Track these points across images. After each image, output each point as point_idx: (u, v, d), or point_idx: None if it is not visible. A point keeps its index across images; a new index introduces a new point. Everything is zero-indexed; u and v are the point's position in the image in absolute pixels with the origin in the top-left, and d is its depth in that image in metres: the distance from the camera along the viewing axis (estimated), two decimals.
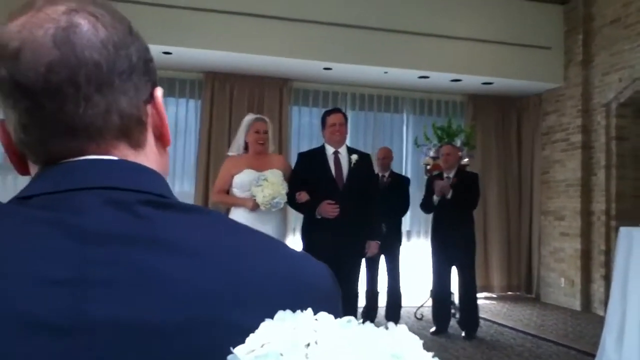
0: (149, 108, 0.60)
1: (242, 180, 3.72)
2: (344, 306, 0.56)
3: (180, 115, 6.45)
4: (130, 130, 0.57)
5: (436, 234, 5.13)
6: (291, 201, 3.84)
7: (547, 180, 7.03)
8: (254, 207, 3.63)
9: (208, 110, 6.42)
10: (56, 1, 0.56)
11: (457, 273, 5.10)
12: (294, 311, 0.42)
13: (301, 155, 4.09)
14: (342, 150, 3.98)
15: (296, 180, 3.86)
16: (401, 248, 5.34)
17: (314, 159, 3.94)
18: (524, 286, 7.35)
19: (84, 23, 0.54)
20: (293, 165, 4.10)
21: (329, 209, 3.73)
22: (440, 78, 6.55)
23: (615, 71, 6.10)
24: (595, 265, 6.31)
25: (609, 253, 5.93)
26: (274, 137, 4.09)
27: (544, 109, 7.12)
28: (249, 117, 3.90)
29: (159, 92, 0.61)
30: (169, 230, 0.52)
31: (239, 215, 3.66)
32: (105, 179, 0.54)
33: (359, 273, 4.04)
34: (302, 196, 3.78)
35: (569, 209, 6.63)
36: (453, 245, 4.92)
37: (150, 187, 0.56)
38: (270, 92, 6.55)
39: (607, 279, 5.66)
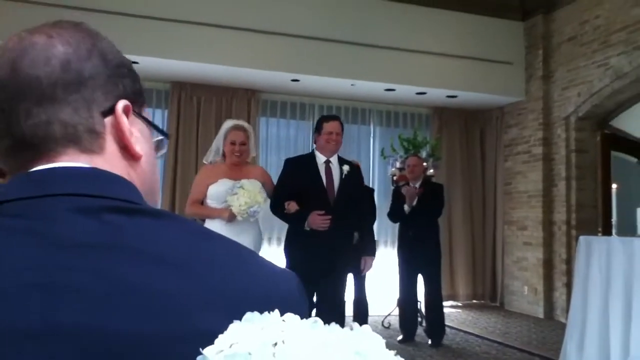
0: (110, 119, 0.60)
1: (218, 191, 3.49)
2: (332, 315, 0.58)
3: None
4: (78, 137, 0.58)
5: (402, 243, 5.19)
6: (277, 210, 3.64)
7: (510, 191, 7.18)
8: (231, 217, 3.41)
9: (175, 120, 6.37)
10: (37, 28, 0.60)
11: (423, 282, 5.16)
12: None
13: (289, 162, 3.80)
14: (334, 160, 3.74)
15: (283, 188, 3.64)
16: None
17: (303, 167, 3.69)
18: (488, 294, 7.47)
19: (37, 41, 0.58)
20: (272, 175, 3.92)
21: (319, 221, 3.48)
22: (406, 91, 6.65)
23: (573, 86, 6.31)
24: (557, 273, 6.46)
25: (570, 262, 6.09)
26: (255, 144, 3.83)
27: (507, 122, 7.29)
28: (227, 125, 3.65)
29: (120, 105, 0.61)
30: (136, 237, 0.52)
31: (214, 227, 3.33)
32: (72, 186, 0.54)
33: (345, 283, 3.86)
34: (292, 206, 3.57)
35: (531, 219, 6.79)
36: (419, 255, 4.99)
37: (117, 192, 0.56)
38: (238, 103, 6.54)
39: (569, 286, 5.80)
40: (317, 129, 3.76)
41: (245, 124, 3.68)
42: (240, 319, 0.44)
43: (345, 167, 3.69)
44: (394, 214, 5.22)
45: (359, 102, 7.13)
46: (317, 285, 3.51)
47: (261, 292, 0.53)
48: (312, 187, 3.60)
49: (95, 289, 0.48)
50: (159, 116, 6.49)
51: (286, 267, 3.40)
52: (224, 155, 3.62)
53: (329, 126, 3.68)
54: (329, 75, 6.10)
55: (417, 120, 7.47)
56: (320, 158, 3.70)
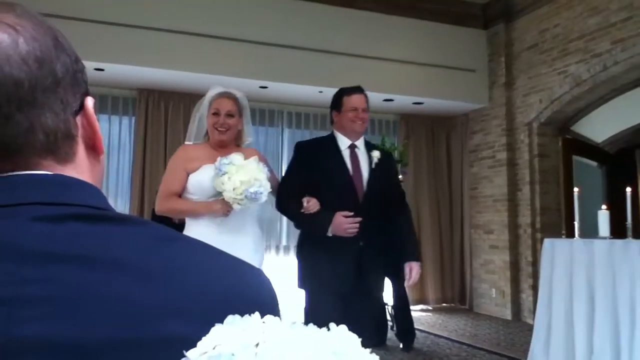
0: (79, 119, 0.59)
1: (201, 181, 2.59)
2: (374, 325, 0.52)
3: (113, 132, 6.28)
4: (57, 146, 0.56)
5: None
6: (288, 209, 2.86)
7: (476, 196, 7.32)
8: (224, 209, 2.52)
9: (142, 127, 6.29)
10: None
11: (390, 286, 5.21)
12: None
13: (303, 147, 2.98)
14: (360, 145, 2.94)
15: (295, 180, 2.83)
16: None
17: (321, 153, 2.89)
18: (457, 298, 7.58)
19: (3, 38, 0.52)
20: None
21: (346, 225, 2.71)
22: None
23: (535, 93, 6.48)
24: (524, 275, 6.60)
25: (535, 264, 6.23)
26: (248, 123, 2.84)
27: (471, 128, 7.43)
28: (212, 91, 2.78)
29: (89, 101, 0.60)
30: (100, 244, 0.51)
31: (200, 230, 2.54)
32: (35, 194, 0.52)
33: (383, 301, 3.05)
34: (312, 204, 2.71)
35: (497, 222, 6.93)
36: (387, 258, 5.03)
37: (82, 199, 0.55)
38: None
39: (535, 288, 5.93)
40: (336, 105, 2.97)
41: (238, 93, 2.79)
42: (207, 321, 0.44)
43: (376, 154, 2.92)
44: None
45: (327, 109, 7.15)
46: (350, 306, 2.80)
47: (233, 295, 0.53)
48: (335, 179, 2.83)
49: (57, 299, 0.46)
50: (126, 123, 6.41)
51: (302, 285, 2.87)
52: (208, 134, 2.76)
53: (352, 100, 2.92)
54: (297, 82, 6.13)
55: (384, 127, 7.56)
56: (343, 141, 2.91)
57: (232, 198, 2.47)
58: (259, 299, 0.55)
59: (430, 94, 6.74)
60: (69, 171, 0.57)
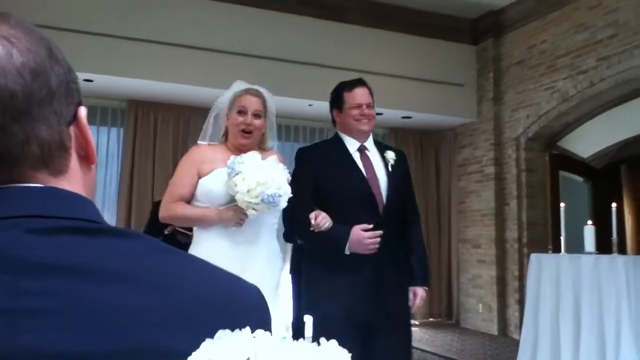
0: (72, 129, 0.59)
1: (212, 187, 2.27)
2: None
3: (101, 143, 6.26)
4: (51, 158, 0.56)
5: None
6: (296, 226, 2.51)
7: (464, 210, 7.35)
8: (236, 216, 2.21)
9: (131, 139, 6.27)
10: None
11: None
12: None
13: (306, 153, 2.58)
14: (370, 145, 2.57)
15: (301, 191, 2.35)
16: None
17: (329, 158, 2.50)
18: (444, 312, 7.58)
19: None
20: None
21: (367, 241, 2.32)
22: None
23: (522, 108, 6.55)
24: (510, 290, 6.63)
25: (522, 279, 6.26)
26: (272, 125, 2.52)
27: (459, 142, 7.49)
28: (236, 87, 2.45)
29: (82, 111, 0.60)
30: (96, 256, 0.51)
31: (210, 247, 2.22)
32: (30, 207, 0.53)
33: (411, 334, 2.63)
34: (322, 219, 2.29)
35: (484, 237, 6.96)
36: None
37: (78, 212, 0.55)
38: (196, 122, 6.49)
39: (521, 303, 5.96)
40: (337, 104, 2.58)
41: (264, 90, 2.47)
42: (202, 333, 0.45)
43: (390, 155, 2.55)
44: None
45: (317, 122, 7.20)
46: (378, 338, 2.40)
47: (225, 306, 0.53)
48: (349, 187, 2.43)
49: (55, 311, 0.47)
50: (114, 135, 6.39)
51: (306, 310, 2.56)
52: (226, 135, 2.41)
53: (354, 96, 2.53)
54: (287, 95, 6.14)
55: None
56: (351, 143, 2.53)
57: (246, 202, 2.12)
58: (252, 313, 0.55)
59: (419, 108, 6.79)
60: (63, 183, 0.57)
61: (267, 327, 0.52)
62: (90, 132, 0.61)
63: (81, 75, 5.19)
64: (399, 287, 2.47)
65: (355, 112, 2.51)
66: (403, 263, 2.49)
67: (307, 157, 2.53)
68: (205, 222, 2.28)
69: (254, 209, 2.15)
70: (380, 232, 2.34)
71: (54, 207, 0.54)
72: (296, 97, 6.19)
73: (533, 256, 4.38)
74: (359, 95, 2.54)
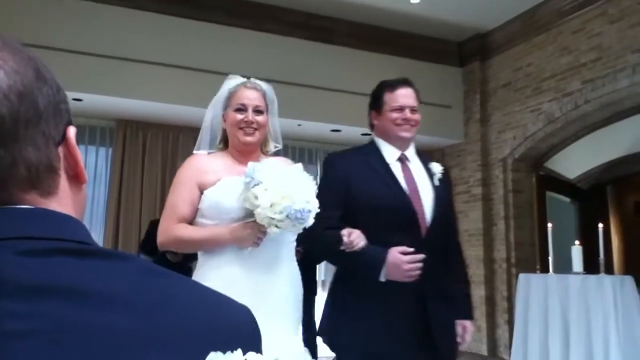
0: (61, 149, 0.58)
1: (220, 198, 1.91)
2: None
3: (90, 163, 6.23)
4: (40, 180, 0.55)
5: None
6: (323, 245, 2.07)
7: None
8: (255, 236, 1.84)
9: (119, 158, 6.25)
10: None
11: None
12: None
13: (336, 161, 2.22)
14: (412, 155, 2.24)
15: (329, 205, 2.00)
16: (316, 298, 5.26)
17: (364, 168, 2.14)
18: None
19: None
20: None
21: (407, 266, 1.96)
22: (352, 131, 6.80)
23: (509, 129, 6.63)
24: (499, 310, 6.62)
25: (510, 299, 6.26)
26: (275, 124, 2.21)
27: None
28: (230, 82, 2.13)
29: (71, 131, 0.59)
30: (86, 278, 0.51)
31: (220, 272, 1.87)
32: (19, 228, 0.52)
33: None
34: (356, 238, 1.93)
35: (473, 257, 6.97)
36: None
37: (67, 234, 0.55)
38: (185, 142, 6.49)
39: (510, 323, 5.95)
40: (376, 104, 2.25)
41: (264, 84, 2.16)
42: (193, 355, 0.45)
43: (437, 168, 2.24)
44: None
45: (306, 142, 7.23)
46: None
47: (215, 327, 0.53)
48: (388, 202, 2.07)
49: (44, 333, 0.46)
50: (102, 154, 6.36)
51: (333, 347, 2.14)
52: (225, 140, 2.10)
53: (397, 97, 2.20)
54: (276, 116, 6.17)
55: None
56: (390, 152, 2.19)
57: (268, 218, 1.77)
58: (242, 334, 0.55)
59: None
60: (52, 204, 0.57)
61: (258, 349, 0.52)
62: (79, 151, 0.61)
63: (70, 95, 5.17)
64: (445, 325, 2.09)
65: (395, 115, 2.17)
66: (448, 294, 2.11)
67: (337, 164, 2.17)
68: (215, 243, 1.88)
69: (276, 226, 1.79)
70: (421, 256, 1.96)
71: (43, 228, 0.54)
72: (285, 117, 6.17)
73: (521, 276, 4.39)
74: (402, 96, 2.19)
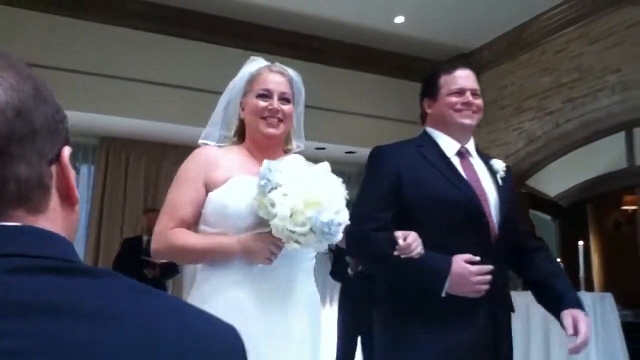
0: (54, 168, 0.58)
1: (228, 201, 1.58)
2: None
3: None
4: (29, 197, 0.55)
5: (346, 301, 5.05)
6: (368, 249, 1.77)
7: None
8: (269, 251, 1.50)
9: (102, 176, 6.20)
10: None
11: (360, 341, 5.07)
12: None
13: (386, 153, 1.89)
14: (472, 149, 1.96)
15: (378, 203, 1.75)
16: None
17: (419, 162, 1.83)
18: None
19: None
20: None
21: (475, 278, 1.67)
22: (336, 150, 6.84)
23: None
24: None
25: None
26: (301, 119, 1.91)
27: None
28: (252, 65, 1.81)
29: (66, 151, 0.60)
30: (72, 296, 0.50)
31: (221, 299, 1.53)
32: (6, 246, 0.52)
33: None
34: (413, 241, 1.58)
35: None
36: (362, 314, 4.87)
37: (55, 252, 0.54)
38: (170, 160, 6.47)
39: None
40: (430, 90, 1.96)
41: (292, 71, 1.82)
42: None
43: (499, 164, 1.96)
44: (338, 273, 5.08)
45: None
46: None
47: (201, 345, 0.53)
48: (453, 202, 1.76)
49: (36, 351, 0.46)
50: (84, 172, 6.32)
51: None
52: (241, 132, 1.78)
53: (455, 79, 1.91)
54: None
55: (347, 178, 7.65)
56: (448, 144, 1.90)
57: (286, 231, 1.43)
58: (228, 351, 0.55)
59: None
60: (41, 222, 0.57)
61: None
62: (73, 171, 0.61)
63: None
64: (511, 352, 1.83)
65: (455, 99, 1.87)
66: (548, 284, 1.83)
67: (385, 156, 1.85)
68: (221, 255, 1.55)
69: (297, 241, 1.44)
70: (489, 267, 1.68)
71: (31, 246, 0.53)
72: None
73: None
74: (462, 77, 1.91)
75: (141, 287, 0.56)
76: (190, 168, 1.68)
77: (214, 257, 1.58)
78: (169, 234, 1.60)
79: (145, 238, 5.63)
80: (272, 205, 1.45)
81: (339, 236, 1.50)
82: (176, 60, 5.75)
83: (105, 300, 0.52)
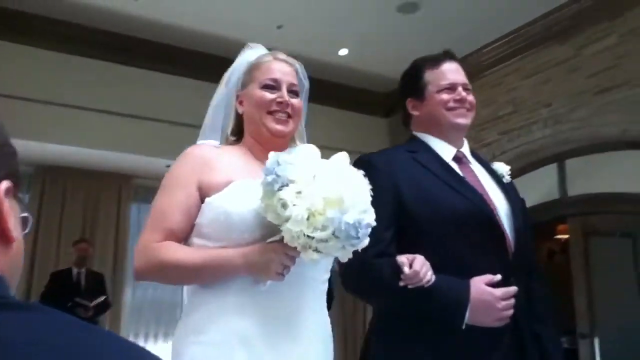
0: None
1: (234, 208, 1.30)
2: None
3: None
4: None
5: None
6: (377, 281, 1.48)
7: None
8: (280, 264, 1.23)
9: (36, 206, 5.95)
10: None
11: None
12: None
13: (379, 161, 1.61)
14: (468, 152, 1.74)
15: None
16: None
17: (415, 168, 1.59)
18: None
19: None
20: None
21: (499, 303, 1.43)
22: None
23: None
24: None
25: None
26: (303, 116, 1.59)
27: None
28: (253, 53, 1.56)
29: (2, 187, 0.59)
30: (7, 331, 0.49)
31: (227, 327, 1.27)
32: None
33: None
34: (420, 265, 1.36)
35: None
36: None
37: None
38: (108, 188, 6.29)
39: None
40: (413, 89, 1.72)
41: (295, 61, 1.57)
42: None
43: (504, 168, 1.76)
44: None
45: None
46: None
47: None
48: (463, 213, 1.51)
49: None
50: None
51: None
52: (238, 131, 1.53)
53: (444, 73, 1.69)
54: None
55: None
56: (443, 149, 1.66)
57: (302, 237, 1.16)
58: None
59: None
60: None
61: None
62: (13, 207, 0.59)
63: None
64: None
65: (446, 96, 1.65)
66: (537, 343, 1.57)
67: (378, 165, 1.57)
68: (219, 272, 1.28)
69: (317, 249, 1.17)
70: (514, 288, 1.44)
71: None
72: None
73: None
74: (451, 71, 1.69)
75: (74, 322, 0.55)
76: (182, 169, 1.40)
77: (211, 275, 1.30)
78: (155, 248, 1.30)
79: (75, 271, 5.43)
80: (284, 206, 1.17)
81: (366, 241, 1.21)
82: (115, 87, 5.64)
83: (37, 335, 0.50)
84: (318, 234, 1.15)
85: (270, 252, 1.24)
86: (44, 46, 5.37)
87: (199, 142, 1.55)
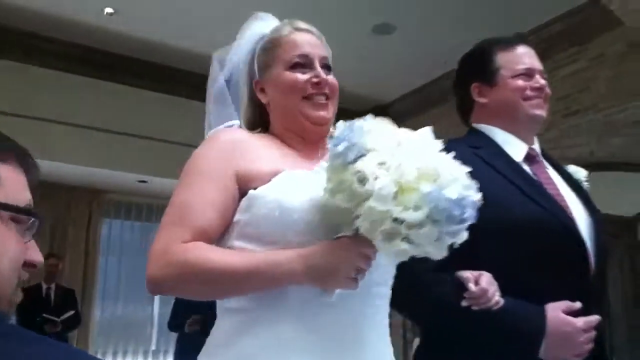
0: None
1: (288, 200, 1.00)
2: None
3: None
4: None
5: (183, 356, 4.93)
6: (432, 303, 1.26)
7: None
8: (355, 260, 0.92)
9: None
10: None
11: None
12: None
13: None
14: (539, 151, 1.47)
15: None
16: None
17: (479, 167, 1.16)
18: None
19: None
20: None
21: (580, 336, 1.20)
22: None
23: None
24: None
25: None
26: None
27: None
28: (259, 23, 1.28)
29: None
30: None
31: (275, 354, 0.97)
32: None
33: None
34: (488, 284, 1.11)
35: None
36: None
37: None
38: (78, 203, 6.19)
39: None
40: (481, 72, 1.48)
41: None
42: None
43: (580, 173, 1.54)
44: (174, 324, 5.03)
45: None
46: None
47: None
48: (537, 226, 1.27)
49: None
50: None
51: None
52: (257, 122, 1.24)
53: (519, 56, 1.45)
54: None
55: None
56: (514, 146, 1.42)
57: (389, 220, 0.86)
58: None
59: None
60: None
61: None
62: None
63: None
64: None
65: (523, 83, 1.40)
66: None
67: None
68: (270, 283, 0.98)
69: (407, 238, 0.87)
70: (596, 317, 1.22)
71: None
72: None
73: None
74: (528, 55, 1.44)
75: (26, 335, 0.54)
76: (210, 157, 1.10)
77: (258, 285, 0.98)
78: (182, 249, 0.99)
79: (45, 286, 5.32)
80: (362, 180, 0.87)
81: (465, 234, 0.90)
82: (87, 101, 5.56)
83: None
84: (411, 216, 0.84)
85: (338, 250, 0.94)
86: (15, 59, 5.29)
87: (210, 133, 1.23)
